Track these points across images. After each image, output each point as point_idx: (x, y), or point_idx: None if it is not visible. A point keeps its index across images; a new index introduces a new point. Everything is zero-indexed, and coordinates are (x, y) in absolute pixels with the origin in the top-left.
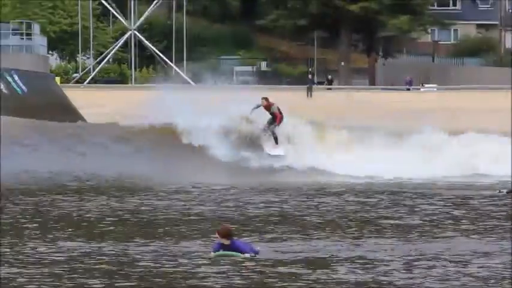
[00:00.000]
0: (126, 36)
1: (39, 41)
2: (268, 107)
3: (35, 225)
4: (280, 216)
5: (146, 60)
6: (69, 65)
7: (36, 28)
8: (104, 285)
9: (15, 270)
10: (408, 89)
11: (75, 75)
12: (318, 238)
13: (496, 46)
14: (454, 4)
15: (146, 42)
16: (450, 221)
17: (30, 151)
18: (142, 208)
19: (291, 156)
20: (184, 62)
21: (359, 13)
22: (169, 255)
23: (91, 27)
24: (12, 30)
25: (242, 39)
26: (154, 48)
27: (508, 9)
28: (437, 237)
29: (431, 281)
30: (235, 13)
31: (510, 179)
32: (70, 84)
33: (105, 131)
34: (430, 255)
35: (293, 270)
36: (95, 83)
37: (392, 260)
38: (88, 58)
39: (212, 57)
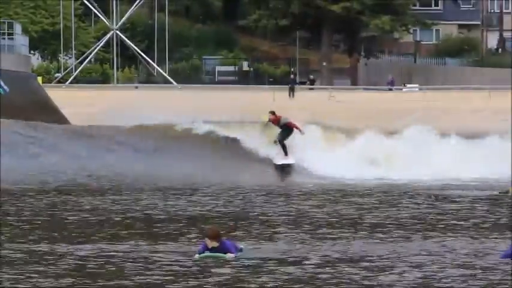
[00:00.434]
0: (108, 36)
1: (21, 41)
2: (276, 120)
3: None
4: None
5: (128, 60)
6: (51, 65)
7: (17, 28)
8: None
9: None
10: (390, 89)
11: (57, 75)
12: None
13: (478, 46)
14: (436, 4)
15: (128, 42)
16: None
17: (70, 154)
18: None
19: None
20: (167, 61)
21: (341, 13)
22: None
23: (73, 27)
24: None
25: (224, 40)
26: (136, 48)
27: (490, 10)
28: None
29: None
30: (218, 13)
31: (510, 179)
32: (52, 84)
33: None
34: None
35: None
36: (77, 83)
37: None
38: (70, 58)
39: (194, 57)
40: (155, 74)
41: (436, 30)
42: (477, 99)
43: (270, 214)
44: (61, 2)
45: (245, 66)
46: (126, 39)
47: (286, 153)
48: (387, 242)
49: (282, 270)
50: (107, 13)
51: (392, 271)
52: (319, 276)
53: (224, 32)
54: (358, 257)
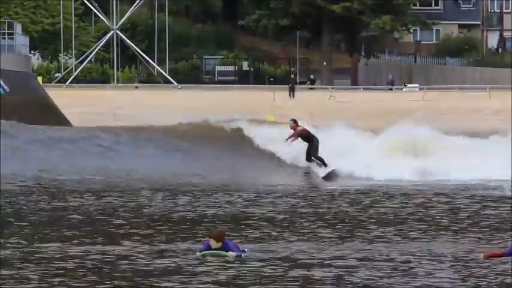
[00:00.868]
0: (108, 35)
1: (21, 41)
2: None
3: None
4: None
5: (128, 60)
6: (51, 65)
7: (17, 28)
8: None
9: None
10: (390, 89)
11: (57, 75)
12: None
13: (478, 46)
14: (436, 4)
15: (128, 41)
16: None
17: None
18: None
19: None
20: (167, 61)
21: (341, 13)
22: None
23: (73, 27)
24: None
25: (224, 39)
26: (136, 48)
27: (490, 10)
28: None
29: None
30: (218, 13)
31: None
32: (52, 84)
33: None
34: None
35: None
36: (77, 82)
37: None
38: (70, 58)
39: (195, 57)
40: (155, 73)
41: (436, 30)
42: (477, 99)
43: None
44: (61, 1)
45: (245, 66)
46: (126, 39)
47: (325, 165)
48: None
49: None
50: (107, 13)
51: None
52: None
53: (224, 31)
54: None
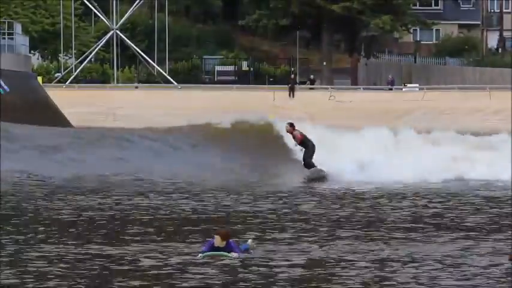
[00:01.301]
0: (108, 35)
1: (21, 41)
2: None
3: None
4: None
5: (128, 59)
6: (51, 65)
7: (17, 28)
8: None
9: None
10: (390, 89)
11: (57, 75)
12: None
13: (478, 46)
14: (436, 4)
15: (128, 41)
16: None
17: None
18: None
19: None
20: (167, 61)
21: (341, 13)
22: None
23: (73, 27)
24: None
25: (224, 39)
26: (136, 48)
27: (490, 10)
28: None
29: None
30: (218, 13)
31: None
32: (52, 84)
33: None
34: None
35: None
36: (77, 82)
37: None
38: (70, 58)
39: (195, 57)
40: (155, 73)
41: (436, 30)
42: (477, 99)
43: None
44: (61, 1)
45: (244, 66)
46: (126, 39)
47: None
48: None
49: None
50: (107, 13)
51: None
52: None
53: (224, 31)
54: None
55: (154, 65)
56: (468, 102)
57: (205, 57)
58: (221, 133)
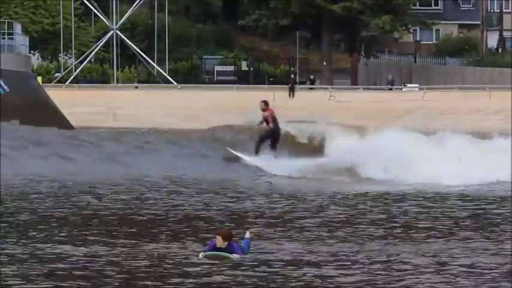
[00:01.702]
0: (108, 35)
1: (21, 41)
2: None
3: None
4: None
5: (128, 59)
6: (51, 65)
7: (17, 28)
8: None
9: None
10: (390, 89)
11: (57, 75)
12: None
13: (478, 46)
14: (436, 4)
15: (128, 41)
16: None
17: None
18: None
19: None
20: (167, 61)
21: (341, 13)
22: None
23: (73, 27)
24: None
25: (224, 39)
26: (136, 48)
27: (490, 10)
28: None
29: None
30: (218, 13)
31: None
32: (52, 84)
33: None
34: None
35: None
36: (77, 82)
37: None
38: (70, 58)
39: (195, 57)
40: (155, 73)
41: (436, 30)
42: (477, 99)
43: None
44: (61, 1)
45: (244, 66)
46: (126, 39)
47: (256, 153)
48: None
49: None
50: (107, 13)
51: None
52: None
53: (224, 31)
54: None
55: (154, 65)
56: (468, 102)
57: (205, 57)
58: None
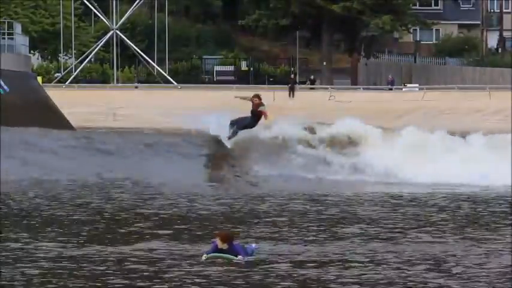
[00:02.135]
0: (108, 35)
1: (21, 41)
2: (257, 105)
3: None
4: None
5: (128, 60)
6: (51, 65)
7: (17, 28)
8: None
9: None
10: (390, 89)
11: (57, 75)
12: None
13: (478, 46)
14: (436, 4)
15: (128, 41)
16: None
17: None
18: None
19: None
20: (167, 61)
21: (341, 13)
22: None
23: (73, 27)
24: None
25: (224, 39)
26: (136, 48)
27: (490, 10)
28: None
29: None
30: (218, 13)
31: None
32: (52, 84)
33: None
34: None
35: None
36: (77, 82)
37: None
38: (70, 58)
39: (194, 57)
40: (155, 73)
41: (436, 30)
42: (477, 99)
43: None
44: (61, 1)
45: (244, 65)
46: (126, 39)
47: (230, 138)
48: None
49: None
50: (107, 13)
51: None
52: None
53: (224, 31)
54: None
55: (154, 65)
56: (468, 102)
57: (205, 57)
58: None
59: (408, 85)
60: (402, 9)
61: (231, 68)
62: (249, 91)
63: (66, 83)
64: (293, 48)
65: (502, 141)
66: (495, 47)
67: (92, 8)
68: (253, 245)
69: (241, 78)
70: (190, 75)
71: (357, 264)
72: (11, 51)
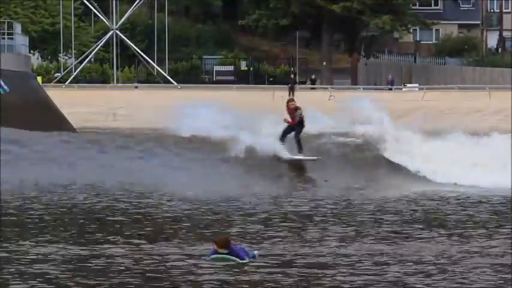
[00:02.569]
0: (108, 35)
1: (21, 41)
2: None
3: None
4: None
5: (128, 59)
6: (51, 65)
7: (17, 28)
8: None
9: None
10: (390, 89)
11: (57, 75)
12: None
13: (478, 46)
14: (436, 4)
15: (128, 41)
16: None
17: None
18: None
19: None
20: (167, 61)
21: (341, 13)
22: None
23: (73, 27)
24: None
25: (224, 39)
26: (136, 48)
27: (490, 10)
28: None
29: None
30: (218, 13)
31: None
32: (52, 84)
33: None
34: None
35: None
36: (77, 82)
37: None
38: (70, 58)
39: (194, 57)
40: (155, 73)
41: (436, 30)
42: (477, 99)
43: None
44: (61, 1)
45: (243, 65)
46: (125, 39)
47: (301, 149)
48: None
49: None
50: (107, 13)
51: None
52: None
53: (224, 31)
54: None
55: (154, 65)
56: (468, 102)
57: (205, 57)
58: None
59: (408, 85)
60: (402, 9)
61: (230, 68)
62: (249, 91)
63: (66, 83)
64: (293, 48)
65: None
66: (495, 47)
67: (92, 8)
68: (255, 252)
69: (241, 78)
70: (190, 75)
71: None
72: (11, 51)
